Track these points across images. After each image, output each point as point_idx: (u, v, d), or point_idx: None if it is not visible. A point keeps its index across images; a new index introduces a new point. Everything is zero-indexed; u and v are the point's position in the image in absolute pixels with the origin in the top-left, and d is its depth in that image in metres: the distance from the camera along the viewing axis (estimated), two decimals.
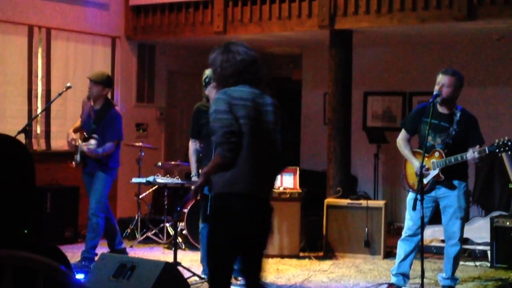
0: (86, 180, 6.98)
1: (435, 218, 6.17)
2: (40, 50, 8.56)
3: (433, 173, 5.81)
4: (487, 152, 5.66)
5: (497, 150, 5.69)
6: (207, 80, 6.21)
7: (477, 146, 5.75)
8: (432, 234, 7.99)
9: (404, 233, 6.05)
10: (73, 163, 6.91)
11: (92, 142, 6.57)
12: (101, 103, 6.85)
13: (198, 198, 4.10)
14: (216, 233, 4.01)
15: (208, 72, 6.25)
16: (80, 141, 6.86)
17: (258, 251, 4.16)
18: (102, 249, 7.22)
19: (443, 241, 6.31)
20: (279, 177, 7.92)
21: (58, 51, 8.75)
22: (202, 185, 4.02)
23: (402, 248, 6.05)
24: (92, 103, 6.87)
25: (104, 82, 6.83)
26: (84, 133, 6.91)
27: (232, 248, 4.00)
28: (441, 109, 5.85)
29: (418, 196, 5.34)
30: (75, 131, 7.07)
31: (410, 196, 6.00)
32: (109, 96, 7.16)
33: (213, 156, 4.00)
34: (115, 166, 6.88)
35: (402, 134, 6.12)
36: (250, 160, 3.92)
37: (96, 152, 6.62)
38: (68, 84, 7.04)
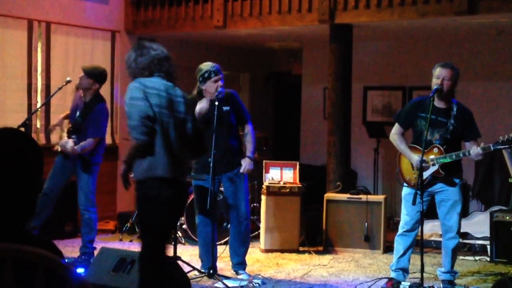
0: (60, 163, 6.76)
1: (434, 212, 6.17)
2: (40, 44, 8.54)
3: (432, 169, 5.80)
4: (491, 149, 5.66)
5: (502, 148, 5.68)
6: (206, 75, 6.18)
7: (478, 143, 5.75)
8: (432, 229, 8.00)
9: (401, 229, 6.04)
10: (56, 147, 6.79)
11: (70, 143, 6.54)
12: (90, 96, 6.74)
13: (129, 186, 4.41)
14: (145, 218, 4.36)
15: (205, 67, 6.24)
16: (65, 134, 6.78)
17: (171, 229, 4.62)
18: (101, 243, 7.22)
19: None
20: (278, 171, 7.99)
21: (58, 45, 8.74)
22: (126, 173, 4.36)
23: (400, 244, 6.04)
24: (81, 94, 6.81)
25: (96, 77, 6.70)
26: (70, 125, 6.80)
27: (162, 228, 4.38)
28: (438, 104, 5.83)
29: (418, 191, 5.34)
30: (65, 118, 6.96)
31: (406, 191, 5.99)
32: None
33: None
34: (97, 161, 6.77)
35: (396, 129, 6.07)
36: (165, 147, 4.26)
37: (75, 150, 6.60)
38: (68, 78, 7.02)
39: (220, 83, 6.16)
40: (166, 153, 4.28)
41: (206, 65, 6.25)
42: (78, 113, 6.77)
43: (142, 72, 4.38)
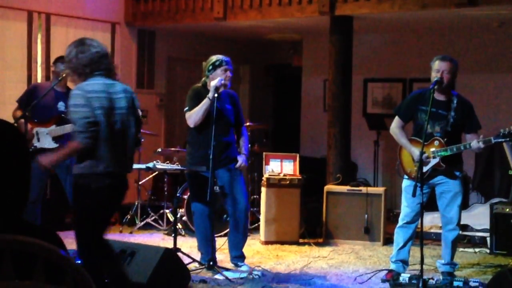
0: (38, 167, 6.57)
1: (434, 204, 6.16)
2: (39, 36, 8.54)
3: (433, 161, 5.79)
4: (492, 142, 5.64)
5: (503, 140, 5.67)
6: (217, 62, 6.19)
7: (479, 135, 5.74)
8: (432, 221, 8.00)
9: (401, 220, 6.04)
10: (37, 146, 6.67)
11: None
12: (65, 86, 6.82)
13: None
14: (83, 212, 4.53)
15: (217, 57, 6.25)
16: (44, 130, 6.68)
17: (109, 220, 4.78)
18: None
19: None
20: (278, 163, 7.99)
21: (57, 37, 8.73)
22: (51, 167, 4.72)
23: (400, 236, 6.05)
24: (55, 86, 6.76)
25: None
26: (62, 115, 6.67)
27: (98, 222, 4.57)
28: (438, 96, 5.81)
29: (418, 184, 5.34)
30: (18, 118, 6.58)
31: (406, 183, 5.98)
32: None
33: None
34: None
35: (396, 122, 6.06)
36: (108, 143, 4.48)
37: None
38: (68, 70, 7.00)
39: (228, 73, 6.19)
40: (109, 149, 4.48)
41: (218, 56, 6.30)
42: (62, 104, 6.71)
43: (84, 69, 4.52)
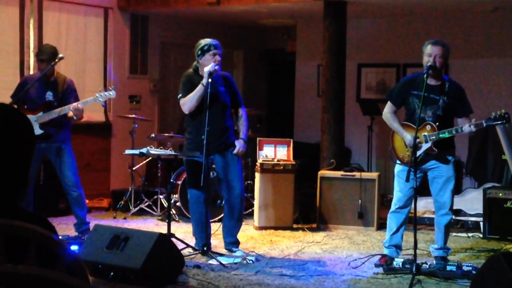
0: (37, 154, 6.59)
1: (427, 189, 6.17)
2: (32, 21, 8.48)
3: (425, 146, 5.79)
4: (484, 126, 5.65)
5: (495, 123, 5.68)
6: (205, 47, 6.17)
7: (470, 119, 5.75)
8: (425, 206, 8.02)
9: (393, 206, 6.05)
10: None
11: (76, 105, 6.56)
12: (52, 75, 6.80)
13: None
14: None
15: (205, 41, 6.23)
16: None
17: None
18: (95, 220, 7.22)
19: None
20: (272, 148, 7.99)
21: (50, 22, 8.68)
22: None
23: (393, 221, 6.06)
24: (38, 73, 6.76)
25: (52, 58, 6.72)
26: (50, 102, 6.69)
27: None
28: (430, 81, 5.80)
29: (412, 169, 5.34)
30: None
31: (398, 168, 5.99)
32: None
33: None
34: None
35: (389, 107, 6.05)
36: None
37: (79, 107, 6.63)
38: (61, 55, 6.96)
39: (217, 57, 6.15)
40: None
41: (206, 40, 6.28)
42: (51, 93, 6.72)
43: None
